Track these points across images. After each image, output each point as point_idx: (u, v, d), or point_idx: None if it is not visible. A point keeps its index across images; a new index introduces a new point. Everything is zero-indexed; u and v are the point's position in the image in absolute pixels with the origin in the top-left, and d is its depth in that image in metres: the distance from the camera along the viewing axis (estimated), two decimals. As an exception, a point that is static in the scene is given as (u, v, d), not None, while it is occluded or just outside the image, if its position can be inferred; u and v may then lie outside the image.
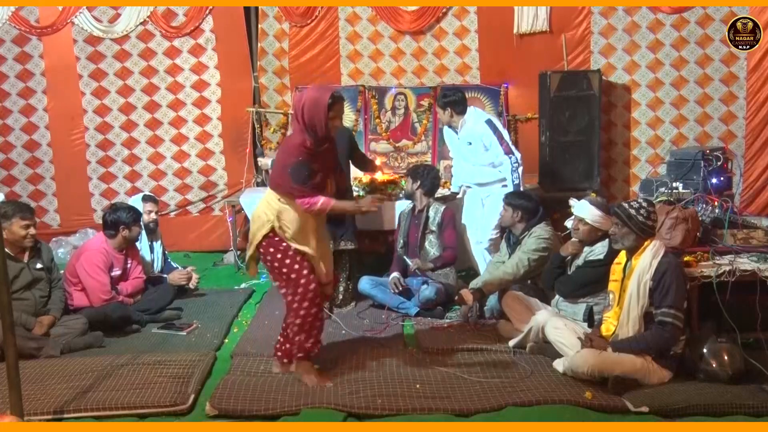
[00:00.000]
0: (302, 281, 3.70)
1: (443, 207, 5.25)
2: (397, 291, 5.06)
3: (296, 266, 3.71)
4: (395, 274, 5.14)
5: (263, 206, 3.76)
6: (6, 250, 3.93)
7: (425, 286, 4.97)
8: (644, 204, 3.73)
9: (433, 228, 5.18)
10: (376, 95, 6.73)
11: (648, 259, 3.63)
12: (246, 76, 7.02)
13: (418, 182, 5.25)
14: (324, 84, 3.89)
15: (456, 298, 4.69)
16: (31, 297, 4.39)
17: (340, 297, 5.17)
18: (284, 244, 3.71)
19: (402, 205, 5.59)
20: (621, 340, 3.66)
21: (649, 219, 3.68)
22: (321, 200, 3.63)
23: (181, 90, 7.04)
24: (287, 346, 3.90)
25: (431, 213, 5.21)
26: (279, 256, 3.71)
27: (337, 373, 3.88)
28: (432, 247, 5.19)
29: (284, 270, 3.72)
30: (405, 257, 5.20)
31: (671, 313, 3.55)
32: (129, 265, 5.02)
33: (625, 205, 3.76)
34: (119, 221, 4.86)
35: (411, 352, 4.25)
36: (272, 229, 3.70)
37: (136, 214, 4.96)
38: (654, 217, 3.72)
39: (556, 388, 3.58)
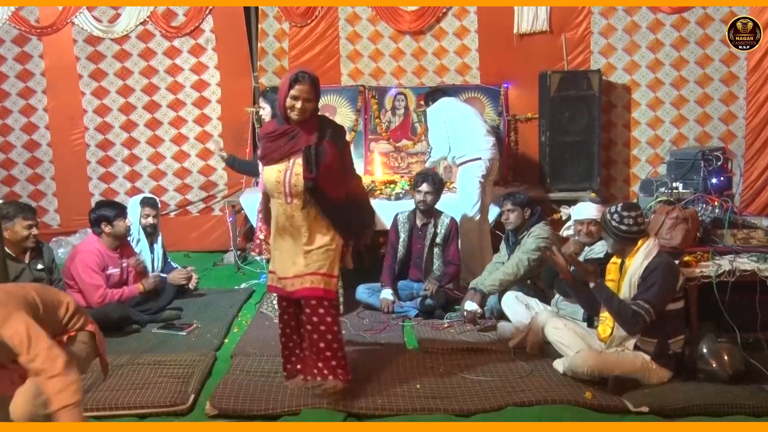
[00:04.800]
0: None
1: (448, 218, 5.16)
2: (387, 311, 4.95)
3: None
4: (389, 297, 5.01)
5: None
6: (7, 250, 3.95)
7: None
8: (619, 209, 3.66)
9: (439, 241, 5.11)
10: (376, 95, 6.73)
11: (640, 259, 3.61)
12: (246, 76, 7.01)
13: (436, 192, 5.10)
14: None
15: (464, 314, 4.59)
16: (32, 297, 4.38)
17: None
18: None
19: (397, 207, 5.48)
20: (606, 288, 3.64)
21: (622, 224, 3.61)
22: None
23: (181, 90, 7.04)
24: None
25: (439, 228, 5.12)
26: None
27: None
28: (438, 259, 5.13)
29: None
30: (413, 284, 5.15)
31: (646, 307, 3.50)
32: (125, 264, 4.95)
33: (605, 209, 3.75)
34: (100, 218, 4.81)
35: (411, 352, 4.25)
36: None
37: (119, 210, 4.86)
38: (629, 221, 3.61)
39: (556, 388, 3.58)
